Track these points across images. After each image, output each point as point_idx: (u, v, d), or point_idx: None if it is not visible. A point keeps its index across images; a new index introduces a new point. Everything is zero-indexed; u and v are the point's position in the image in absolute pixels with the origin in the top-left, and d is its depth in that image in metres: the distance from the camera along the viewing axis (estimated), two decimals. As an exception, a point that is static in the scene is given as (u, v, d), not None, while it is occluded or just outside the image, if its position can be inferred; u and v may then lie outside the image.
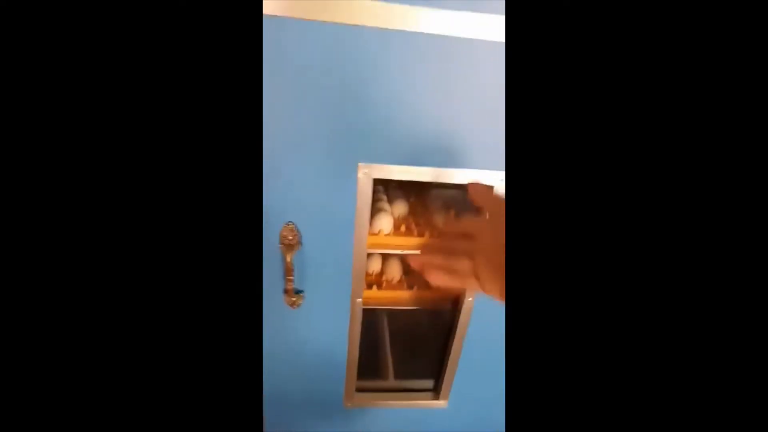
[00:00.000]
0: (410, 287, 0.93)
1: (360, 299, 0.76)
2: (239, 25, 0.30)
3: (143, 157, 0.29)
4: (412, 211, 0.93)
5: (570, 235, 0.29)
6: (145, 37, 0.28)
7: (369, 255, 0.95)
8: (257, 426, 0.34)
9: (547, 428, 0.29)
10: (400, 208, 0.92)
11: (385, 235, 0.86)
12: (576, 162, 0.29)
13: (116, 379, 0.30)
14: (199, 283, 0.30)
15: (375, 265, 0.96)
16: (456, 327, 0.82)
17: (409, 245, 0.87)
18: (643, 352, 0.28)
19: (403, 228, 0.89)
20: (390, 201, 0.93)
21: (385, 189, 0.94)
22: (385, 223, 0.87)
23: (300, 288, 0.73)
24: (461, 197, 0.90)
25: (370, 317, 1.03)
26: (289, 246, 0.66)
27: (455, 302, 0.84)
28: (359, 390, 0.92)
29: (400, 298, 0.92)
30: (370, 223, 0.87)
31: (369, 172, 0.62)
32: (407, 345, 1.06)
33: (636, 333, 0.28)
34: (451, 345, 0.85)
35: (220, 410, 0.31)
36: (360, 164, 0.61)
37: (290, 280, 0.67)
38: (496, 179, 0.65)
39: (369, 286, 0.92)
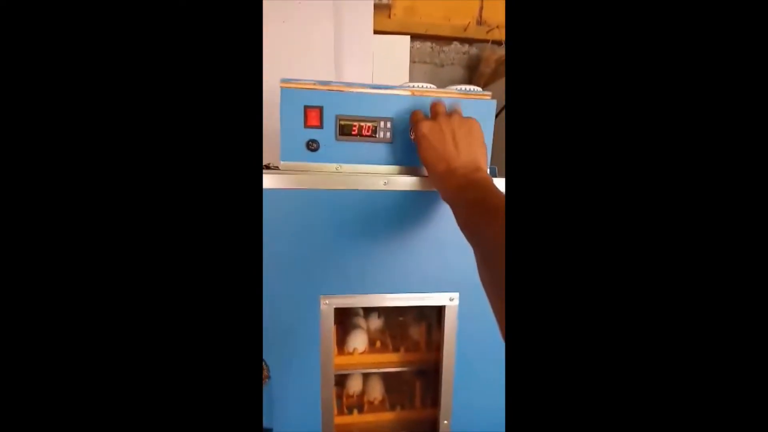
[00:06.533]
0: (393, 407, 0.88)
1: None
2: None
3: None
4: (387, 324, 0.94)
5: (569, 234, 0.28)
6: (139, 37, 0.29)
7: (348, 375, 0.93)
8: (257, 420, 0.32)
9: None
10: (375, 322, 0.93)
11: (360, 353, 0.86)
12: (571, 162, 0.29)
13: (116, 380, 0.29)
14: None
15: (356, 386, 0.93)
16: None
17: (385, 362, 0.86)
18: (643, 354, 0.27)
19: (378, 344, 0.89)
20: (365, 316, 0.94)
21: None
22: (359, 341, 0.87)
23: (269, 426, 0.70)
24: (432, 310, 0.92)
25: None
26: (255, 383, 0.65)
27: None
28: None
29: (384, 421, 0.87)
30: (345, 342, 0.87)
31: (330, 302, 0.65)
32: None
33: (636, 335, 0.27)
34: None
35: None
36: (321, 296, 0.65)
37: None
38: (446, 299, 0.68)
39: (350, 410, 0.87)
